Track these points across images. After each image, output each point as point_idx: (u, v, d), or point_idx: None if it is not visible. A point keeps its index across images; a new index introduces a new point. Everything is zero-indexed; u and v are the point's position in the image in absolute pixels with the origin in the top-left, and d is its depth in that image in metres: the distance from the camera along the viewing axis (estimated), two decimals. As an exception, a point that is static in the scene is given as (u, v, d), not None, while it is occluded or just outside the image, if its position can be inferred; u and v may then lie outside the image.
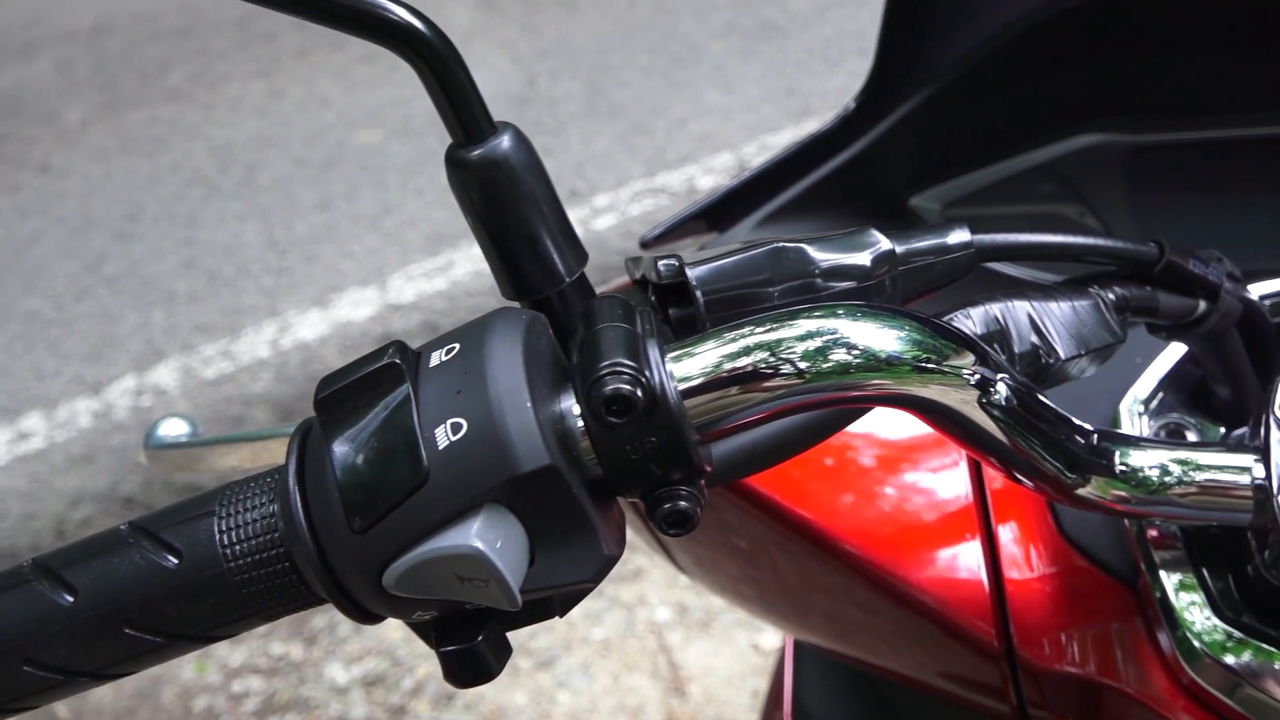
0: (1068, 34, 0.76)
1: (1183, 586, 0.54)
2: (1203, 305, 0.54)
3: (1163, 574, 0.54)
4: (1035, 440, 0.45)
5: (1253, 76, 0.78)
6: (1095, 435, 0.47)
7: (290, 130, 3.99)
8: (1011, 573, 0.60)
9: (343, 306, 3.16)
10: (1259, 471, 0.47)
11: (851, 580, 0.61)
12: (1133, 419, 0.59)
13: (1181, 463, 0.47)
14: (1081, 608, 0.59)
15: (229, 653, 2.38)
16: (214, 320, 3.16)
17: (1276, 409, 0.48)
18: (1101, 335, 0.51)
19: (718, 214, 0.78)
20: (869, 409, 0.49)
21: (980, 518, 0.61)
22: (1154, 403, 0.60)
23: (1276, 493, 0.46)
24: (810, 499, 0.63)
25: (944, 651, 0.61)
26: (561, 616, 0.44)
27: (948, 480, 0.63)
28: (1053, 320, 0.50)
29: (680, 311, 0.47)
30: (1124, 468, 0.47)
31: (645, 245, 0.78)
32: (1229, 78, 0.79)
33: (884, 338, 0.42)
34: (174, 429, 0.69)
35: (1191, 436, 0.59)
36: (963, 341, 0.44)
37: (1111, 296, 0.52)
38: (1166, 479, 0.47)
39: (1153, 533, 0.56)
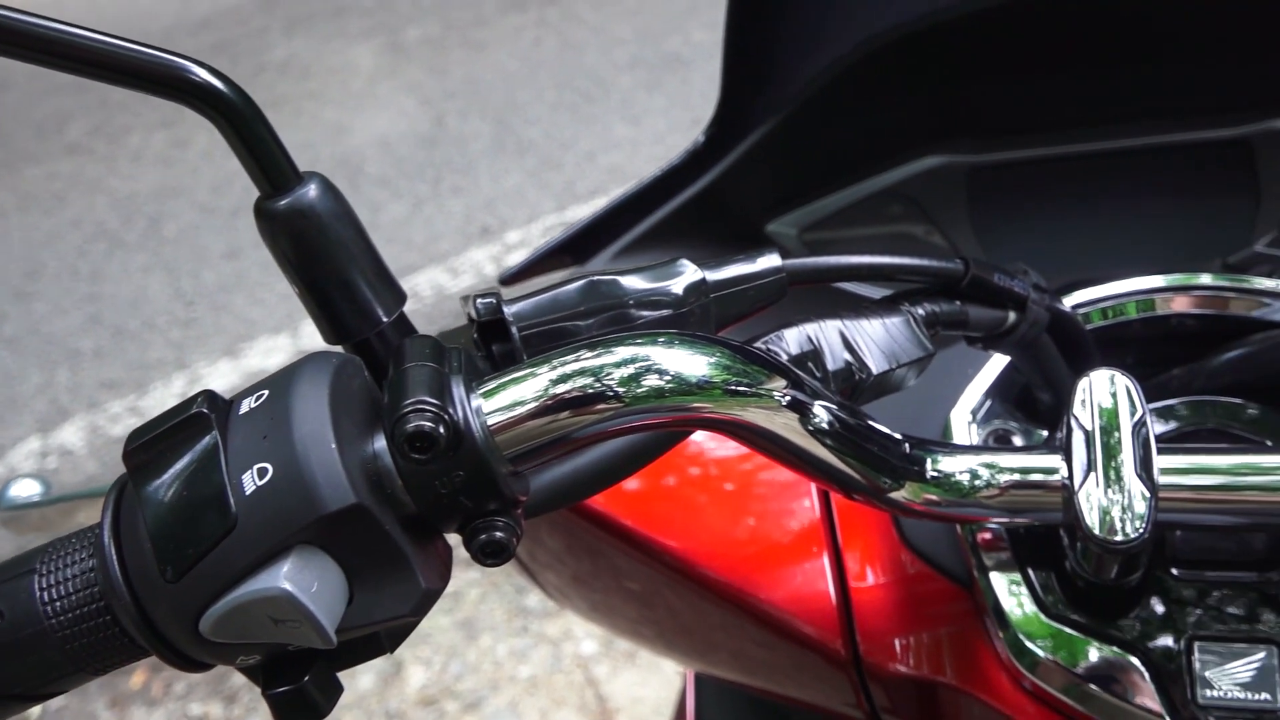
0: (906, 60, 0.80)
1: (1010, 587, 0.56)
2: (1012, 316, 0.57)
3: (992, 576, 0.57)
4: (848, 453, 0.47)
5: (1082, 96, 0.83)
6: (906, 444, 0.49)
7: (196, 179, 3.95)
8: (857, 584, 0.62)
9: (254, 355, 3.12)
10: (1064, 471, 0.49)
11: (707, 602, 0.63)
12: (963, 428, 0.62)
13: (990, 466, 0.50)
14: (924, 613, 0.61)
15: (147, 714, 2.32)
16: (121, 376, 3.10)
17: (1075, 410, 0.50)
18: (911, 350, 0.53)
19: (577, 247, 0.80)
20: (686, 433, 0.50)
21: (827, 532, 0.63)
22: (982, 411, 0.62)
23: (1078, 490, 0.48)
24: (664, 524, 0.64)
25: (800, 665, 0.63)
26: (391, 652, 0.45)
27: (797, 498, 0.65)
28: (864, 337, 0.52)
29: (502, 347, 0.49)
30: (935, 473, 0.49)
31: (505, 282, 0.80)
32: (1061, 98, 0.83)
33: (694, 363, 0.44)
34: (25, 490, 0.68)
35: (1017, 440, 0.62)
36: (772, 366, 0.46)
37: (921, 312, 0.54)
38: (976, 482, 0.49)
39: (985, 535, 0.58)
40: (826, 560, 0.62)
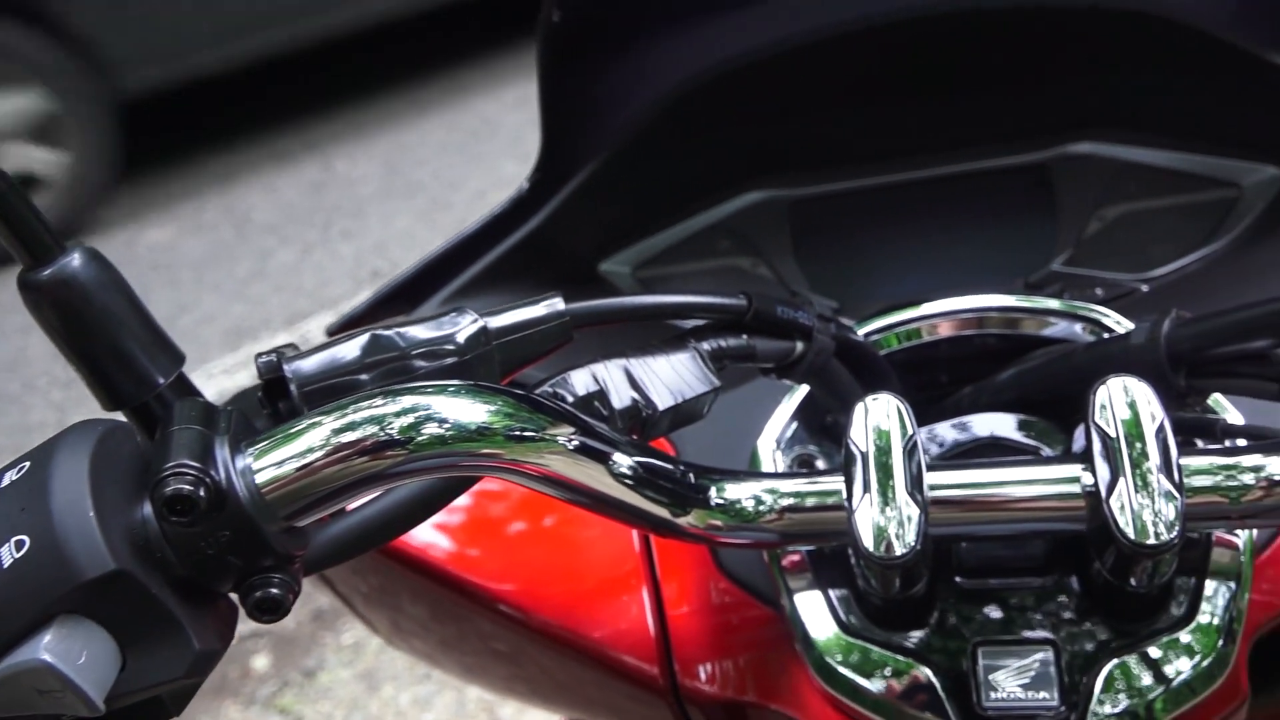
0: (724, 99, 0.83)
1: (813, 607, 0.58)
2: (800, 345, 0.60)
3: (797, 598, 0.59)
4: (633, 487, 0.48)
5: (893, 128, 0.87)
6: (691, 474, 0.51)
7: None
8: (675, 613, 0.63)
9: (140, 412, 3.04)
10: (845, 493, 0.51)
11: (531, 642, 0.64)
12: (768, 455, 0.64)
13: (773, 491, 0.52)
14: (739, 638, 0.63)
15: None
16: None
17: (853, 435, 0.53)
18: (697, 385, 0.55)
19: (407, 294, 0.80)
20: (473, 480, 0.51)
21: (646, 565, 0.65)
22: (786, 437, 0.65)
23: (855, 511, 0.51)
24: (485, 568, 0.65)
25: (625, 697, 0.64)
26: (176, 715, 0.45)
27: (618, 533, 0.66)
28: (650, 375, 0.54)
29: (286, 405, 0.49)
30: (720, 500, 0.51)
31: (332, 334, 0.80)
32: (873, 131, 0.87)
33: (473, 411, 0.45)
34: None
35: (820, 464, 0.64)
36: (552, 410, 0.47)
37: (707, 347, 0.56)
38: (761, 507, 0.51)
39: (791, 559, 0.60)
40: (646, 593, 0.64)
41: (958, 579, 0.57)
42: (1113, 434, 0.50)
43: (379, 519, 0.50)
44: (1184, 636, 0.54)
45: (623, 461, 0.48)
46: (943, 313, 0.66)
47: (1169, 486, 0.48)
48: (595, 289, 0.87)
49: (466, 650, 0.70)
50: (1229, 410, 0.60)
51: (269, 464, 0.43)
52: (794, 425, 0.65)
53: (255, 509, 0.42)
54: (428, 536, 0.66)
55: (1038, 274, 0.81)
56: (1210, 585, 0.55)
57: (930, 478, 0.51)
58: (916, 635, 0.56)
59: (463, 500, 0.71)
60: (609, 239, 0.88)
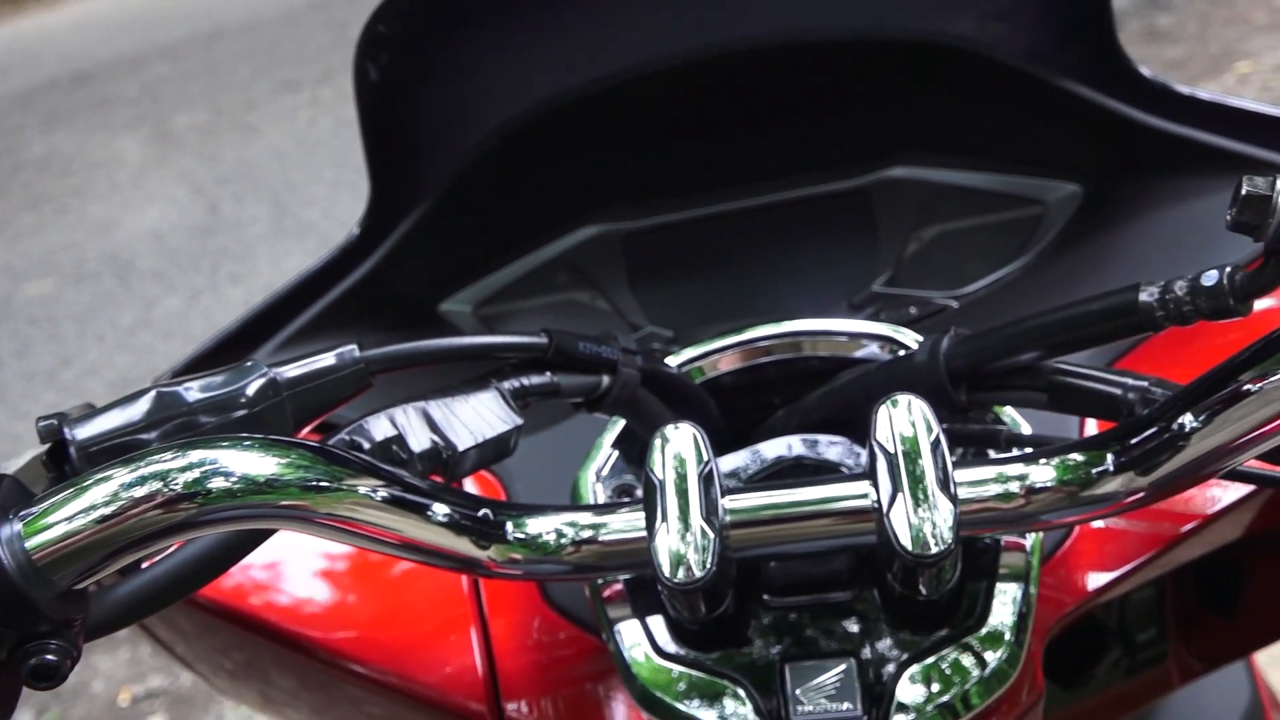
0: (552, 136, 0.84)
1: (632, 635, 0.59)
2: (606, 379, 0.61)
3: (617, 627, 0.60)
4: (430, 528, 0.49)
5: (720, 160, 0.89)
6: (490, 511, 0.52)
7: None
8: (504, 651, 0.64)
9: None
10: (644, 522, 0.53)
11: (356, 687, 0.64)
12: (589, 487, 0.65)
13: (573, 524, 0.53)
14: (567, 671, 0.63)
15: None
16: None
17: (652, 465, 0.54)
18: (498, 424, 0.56)
19: (235, 345, 0.80)
20: (268, 533, 0.51)
21: (474, 604, 0.66)
22: (606, 469, 0.66)
23: (654, 539, 0.52)
24: (311, 619, 0.65)
25: (456, 736, 0.64)
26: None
27: (445, 575, 0.67)
28: (450, 416, 0.55)
29: (70, 468, 0.49)
30: (520, 535, 0.52)
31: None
32: (701, 162, 0.89)
33: (260, 464, 0.45)
34: None
35: (640, 493, 0.66)
36: (345, 460, 0.47)
37: (510, 386, 0.58)
38: (563, 540, 0.52)
39: (614, 588, 0.61)
40: (474, 633, 0.64)
41: (766, 597, 0.59)
42: (891, 450, 0.52)
43: (169, 577, 0.49)
44: (976, 639, 0.56)
45: (418, 505, 0.49)
46: (748, 340, 0.68)
47: (943, 498, 0.50)
48: (435, 329, 0.87)
49: (298, 700, 0.70)
50: (1019, 421, 0.63)
51: (39, 529, 0.42)
52: (614, 455, 0.67)
53: (23, 577, 0.42)
54: (249, 587, 0.66)
55: (860, 295, 0.84)
56: (1000, 588, 0.57)
57: (727, 502, 0.53)
58: (730, 656, 0.58)
59: (288, 548, 0.71)
60: (448, 279, 0.88)
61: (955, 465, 0.52)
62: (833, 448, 0.64)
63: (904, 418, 0.53)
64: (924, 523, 0.50)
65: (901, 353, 0.65)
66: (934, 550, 0.49)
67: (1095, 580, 0.61)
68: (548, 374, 0.59)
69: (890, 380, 0.60)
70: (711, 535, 0.51)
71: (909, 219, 0.87)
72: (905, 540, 0.49)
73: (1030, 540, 0.59)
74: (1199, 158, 0.74)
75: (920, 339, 0.66)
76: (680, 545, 0.51)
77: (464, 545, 0.50)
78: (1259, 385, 0.44)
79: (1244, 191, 0.44)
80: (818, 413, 0.66)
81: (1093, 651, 0.71)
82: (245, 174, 4.24)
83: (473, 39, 0.77)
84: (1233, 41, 4.00)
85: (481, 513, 0.51)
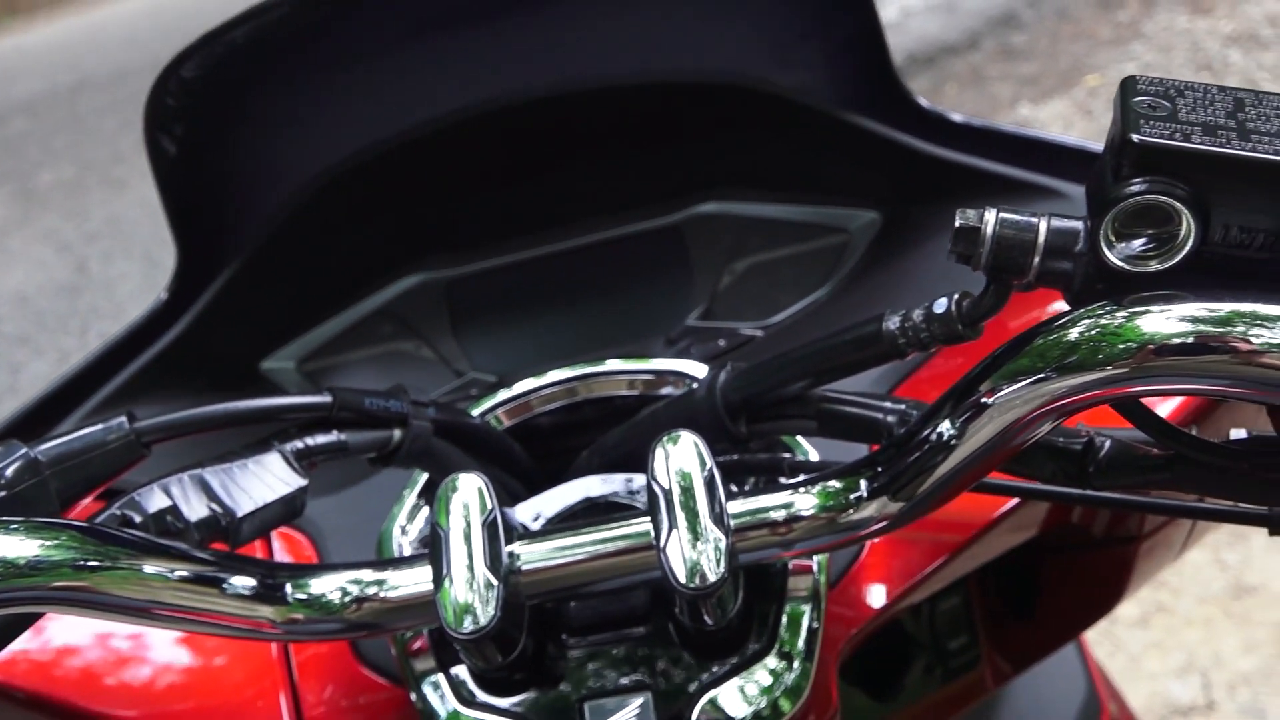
0: (364, 188, 0.85)
1: (436, 687, 0.60)
2: (397, 433, 0.62)
3: (422, 680, 0.60)
4: (212, 597, 0.49)
5: (537, 203, 0.91)
6: (268, 574, 0.52)
7: None
8: (313, 713, 0.64)
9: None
10: (431, 576, 0.53)
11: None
12: (394, 541, 0.66)
13: (357, 581, 0.53)
14: None
15: None
16: None
17: (437, 516, 0.55)
18: (281, 486, 0.56)
19: (42, 416, 0.78)
20: (33, 617, 0.51)
21: (283, 666, 0.65)
22: (414, 519, 0.66)
23: (439, 591, 0.53)
24: (112, 696, 0.64)
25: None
26: None
27: (250, 640, 0.66)
28: (228, 483, 0.55)
29: None
30: (301, 596, 0.52)
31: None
32: (518, 207, 0.91)
33: (20, 546, 0.45)
34: None
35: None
36: (111, 537, 0.47)
37: (294, 447, 0.58)
38: (345, 598, 0.53)
39: (420, 641, 0.62)
40: (283, 700, 0.64)
41: (565, 637, 0.60)
42: (667, 486, 0.53)
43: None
44: (768, 662, 0.58)
45: (191, 576, 0.49)
46: (547, 384, 0.70)
47: (716, 530, 0.52)
48: (257, 389, 0.87)
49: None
50: (808, 448, 0.66)
51: None
52: (420, 506, 0.67)
53: None
54: (37, 666, 0.64)
55: (676, 330, 0.86)
56: (789, 611, 0.59)
57: (518, 548, 0.54)
58: (535, 700, 0.59)
59: (77, 621, 0.70)
60: (269, 336, 0.88)
61: (731, 497, 0.53)
62: (628, 485, 0.65)
63: (679, 454, 0.54)
64: (699, 555, 0.51)
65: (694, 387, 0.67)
66: (709, 581, 0.51)
67: (885, 594, 0.63)
68: (334, 432, 0.59)
69: (674, 416, 0.62)
70: (496, 583, 0.52)
71: (722, 253, 0.89)
72: (680, 574, 0.51)
73: (817, 561, 0.61)
74: (974, 181, 0.78)
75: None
76: (465, 595, 0.52)
77: (242, 611, 0.50)
78: (991, 399, 0.45)
79: (957, 224, 0.47)
80: (616, 451, 0.67)
81: (903, 662, 0.74)
82: (114, 230, 4.13)
83: (268, 99, 0.78)
84: (1081, 56, 4.19)
85: (259, 576, 0.51)
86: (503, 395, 0.70)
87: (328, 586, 0.53)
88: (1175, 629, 2.14)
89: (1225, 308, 0.40)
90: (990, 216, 0.47)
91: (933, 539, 0.64)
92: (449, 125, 0.84)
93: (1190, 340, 0.40)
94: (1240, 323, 0.39)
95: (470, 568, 0.52)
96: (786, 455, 0.63)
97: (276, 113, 0.78)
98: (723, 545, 0.51)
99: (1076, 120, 3.83)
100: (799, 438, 0.66)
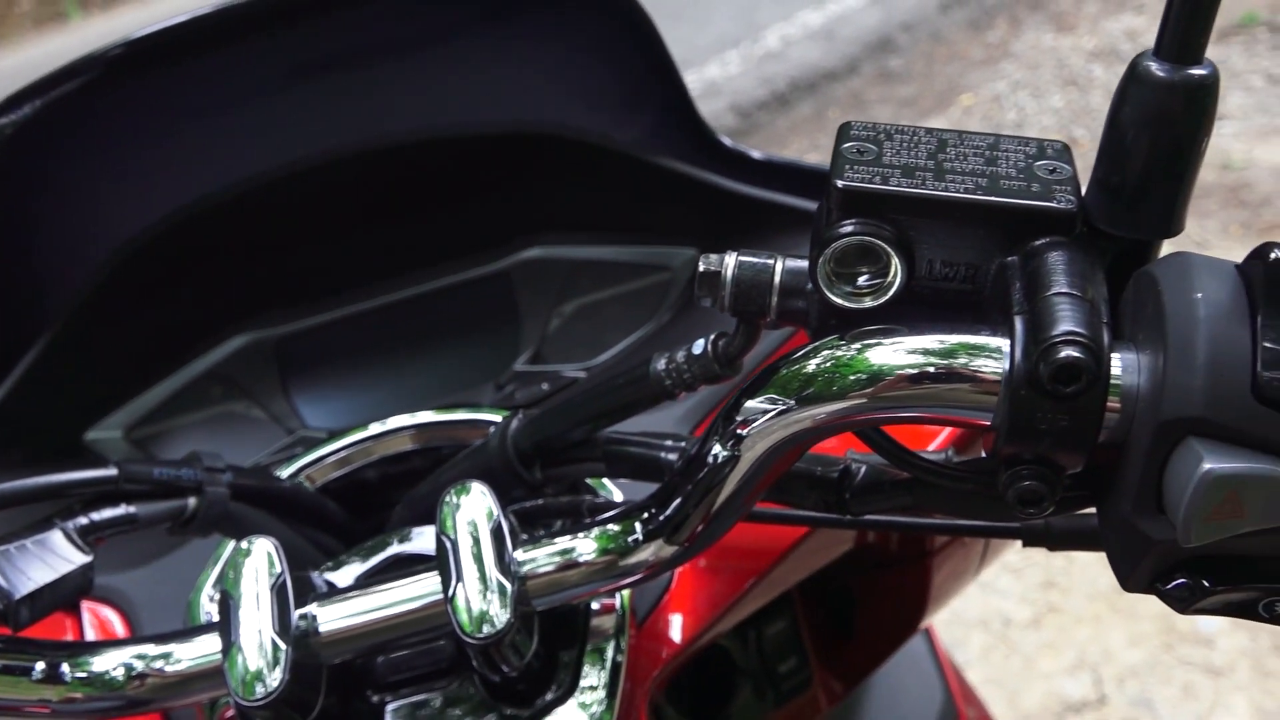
0: (180, 251, 0.84)
1: None
2: (193, 501, 0.61)
3: None
4: None
5: (364, 256, 0.91)
6: (49, 653, 0.51)
7: None
8: None
9: None
10: (219, 645, 0.53)
11: None
12: (202, 609, 0.65)
13: (142, 656, 0.53)
14: None
15: None
16: None
17: (225, 586, 0.55)
18: (63, 564, 0.55)
19: None
20: None
21: None
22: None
23: (225, 659, 0.52)
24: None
25: None
26: None
27: None
28: (7, 565, 0.54)
29: None
30: (81, 675, 0.51)
31: None
32: (345, 261, 0.91)
33: None
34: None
35: None
36: None
37: (77, 524, 0.57)
38: (131, 673, 0.52)
39: (229, 711, 0.61)
40: None
41: (369, 693, 0.60)
42: (454, 538, 0.54)
43: None
44: (570, 704, 0.59)
45: None
46: (358, 440, 0.70)
47: (502, 579, 0.53)
48: (80, 460, 0.85)
49: None
50: (612, 490, 0.67)
51: None
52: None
53: None
54: None
55: (504, 375, 0.87)
56: (590, 652, 0.60)
57: (316, 609, 0.54)
58: None
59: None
60: (93, 405, 0.87)
61: (530, 543, 0.54)
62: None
63: (467, 505, 0.55)
64: (487, 604, 0.52)
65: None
66: (496, 629, 0.52)
67: (694, 625, 0.65)
68: (122, 505, 0.59)
69: (471, 467, 0.63)
70: (285, 647, 0.52)
71: (549, 297, 0.91)
72: (465, 624, 0.52)
73: (620, 599, 0.62)
74: (775, 214, 0.80)
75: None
76: (255, 661, 0.52)
77: (19, 695, 0.50)
78: (745, 431, 0.46)
79: (699, 269, 0.49)
80: (424, 503, 0.67)
81: (734, 688, 0.75)
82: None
83: (72, 166, 0.77)
84: (955, 77, 4.34)
85: (37, 658, 0.51)
86: (309, 455, 0.70)
87: (110, 663, 0.52)
88: (1066, 627, 2.21)
89: (929, 341, 0.42)
90: (730, 260, 0.49)
91: (737, 567, 0.65)
92: (268, 183, 0.84)
93: (903, 371, 0.42)
94: (941, 354, 0.41)
95: (258, 636, 0.52)
96: (588, 497, 0.64)
97: (80, 179, 0.78)
98: (509, 593, 0.52)
99: (952, 139, 3.94)
100: (605, 480, 0.67)
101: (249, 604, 0.53)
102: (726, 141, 0.83)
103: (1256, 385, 0.36)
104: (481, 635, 0.52)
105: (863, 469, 0.53)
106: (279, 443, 0.86)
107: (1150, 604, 2.18)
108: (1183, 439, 0.37)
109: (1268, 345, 0.36)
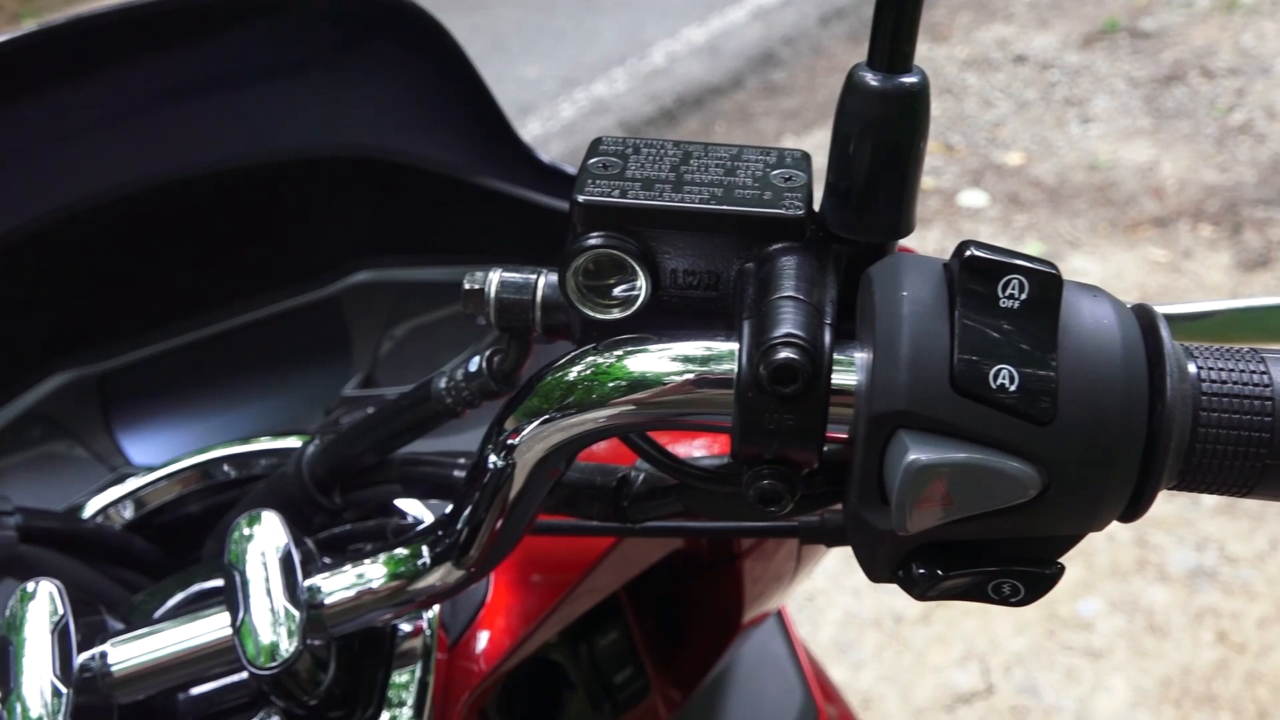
0: None
1: None
2: (-24, 551, 0.60)
3: None
4: None
5: (186, 288, 0.90)
6: None
7: None
8: None
9: None
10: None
11: None
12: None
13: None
14: None
15: None
16: None
17: (4, 628, 0.53)
18: None
19: None
20: None
21: None
22: None
23: (4, 704, 0.51)
24: None
25: None
26: None
27: None
28: None
29: None
30: None
31: None
32: (166, 294, 0.89)
33: None
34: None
35: None
36: None
37: None
38: None
39: None
40: None
41: None
42: (240, 568, 0.53)
43: None
44: None
45: None
46: (168, 474, 0.69)
47: (289, 607, 0.52)
48: None
49: None
50: (422, 513, 0.67)
51: None
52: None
53: None
54: None
55: (332, 401, 0.86)
56: (397, 674, 0.60)
57: (109, 647, 0.53)
58: None
59: None
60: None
61: (318, 571, 0.54)
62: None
63: (257, 535, 0.55)
64: (275, 635, 0.51)
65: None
66: (283, 659, 0.51)
67: (509, 640, 0.65)
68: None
69: (270, 495, 0.63)
70: (65, 691, 0.51)
71: (380, 320, 0.90)
72: (252, 655, 0.51)
73: (427, 619, 0.62)
74: None
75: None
76: (35, 709, 0.51)
77: None
78: (516, 440, 0.46)
79: (465, 287, 0.49)
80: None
81: (568, 702, 0.76)
82: None
83: None
84: (837, 89, 4.42)
85: None
86: (108, 494, 0.68)
87: None
88: (954, 620, 2.26)
89: (673, 348, 0.43)
90: (494, 277, 0.49)
91: (548, 580, 0.66)
92: (84, 212, 0.82)
93: (648, 378, 0.43)
94: (682, 360, 0.43)
95: (35, 681, 0.51)
96: (394, 520, 0.64)
97: None
98: (296, 621, 0.52)
99: (834, 149, 4.03)
100: (413, 502, 0.67)
101: (31, 649, 0.52)
102: (544, 158, 0.84)
103: (954, 378, 0.37)
104: (270, 665, 0.51)
105: (640, 477, 0.54)
106: (101, 482, 0.84)
107: (1031, 593, 2.25)
108: (893, 432, 0.38)
109: (963, 339, 0.37)
